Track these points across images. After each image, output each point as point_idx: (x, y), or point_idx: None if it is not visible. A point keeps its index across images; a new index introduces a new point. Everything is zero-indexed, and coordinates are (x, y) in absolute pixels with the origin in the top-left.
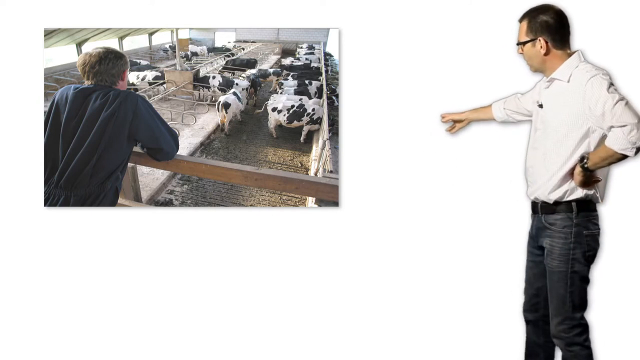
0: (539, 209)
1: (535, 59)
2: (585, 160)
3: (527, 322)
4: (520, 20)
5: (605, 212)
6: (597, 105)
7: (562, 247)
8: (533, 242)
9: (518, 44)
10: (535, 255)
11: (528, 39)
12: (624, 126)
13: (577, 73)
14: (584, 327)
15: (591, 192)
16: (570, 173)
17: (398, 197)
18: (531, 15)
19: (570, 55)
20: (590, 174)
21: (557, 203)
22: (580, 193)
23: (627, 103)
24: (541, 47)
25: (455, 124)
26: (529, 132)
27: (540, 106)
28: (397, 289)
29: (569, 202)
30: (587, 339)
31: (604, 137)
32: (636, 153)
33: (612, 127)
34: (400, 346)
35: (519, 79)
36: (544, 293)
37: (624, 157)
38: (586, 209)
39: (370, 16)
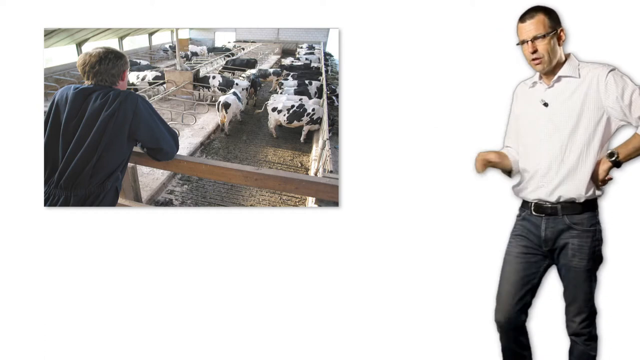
0: (559, 210)
1: (555, 51)
2: (615, 156)
3: (514, 327)
4: (530, 17)
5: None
6: (624, 95)
7: (591, 245)
8: (541, 243)
9: (536, 38)
10: (533, 256)
11: (550, 30)
12: None
13: (586, 69)
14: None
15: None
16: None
17: (398, 197)
18: (543, 10)
19: (566, 56)
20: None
21: (584, 202)
22: (599, 190)
23: None
24: (562, 38)
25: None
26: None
27: (546, 105)
28: (397, 289)
29: (594, 199)
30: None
31: (619, 127)
32: None
33: None
34: (399, 345)
35: (519, 79)
36: (529, 295)
37: None
38: (598, 205)
39: (370, 16)
